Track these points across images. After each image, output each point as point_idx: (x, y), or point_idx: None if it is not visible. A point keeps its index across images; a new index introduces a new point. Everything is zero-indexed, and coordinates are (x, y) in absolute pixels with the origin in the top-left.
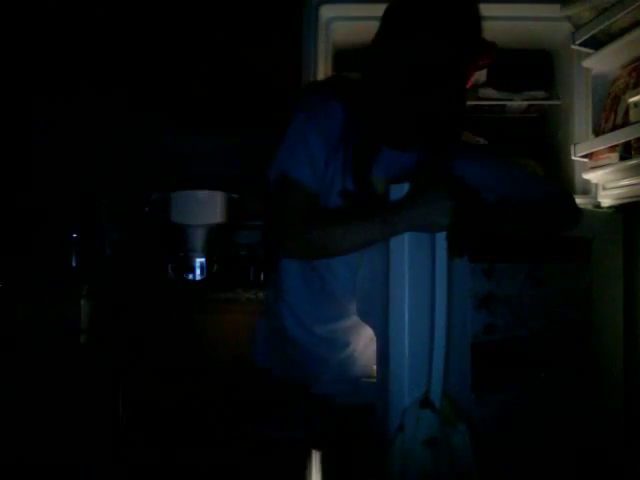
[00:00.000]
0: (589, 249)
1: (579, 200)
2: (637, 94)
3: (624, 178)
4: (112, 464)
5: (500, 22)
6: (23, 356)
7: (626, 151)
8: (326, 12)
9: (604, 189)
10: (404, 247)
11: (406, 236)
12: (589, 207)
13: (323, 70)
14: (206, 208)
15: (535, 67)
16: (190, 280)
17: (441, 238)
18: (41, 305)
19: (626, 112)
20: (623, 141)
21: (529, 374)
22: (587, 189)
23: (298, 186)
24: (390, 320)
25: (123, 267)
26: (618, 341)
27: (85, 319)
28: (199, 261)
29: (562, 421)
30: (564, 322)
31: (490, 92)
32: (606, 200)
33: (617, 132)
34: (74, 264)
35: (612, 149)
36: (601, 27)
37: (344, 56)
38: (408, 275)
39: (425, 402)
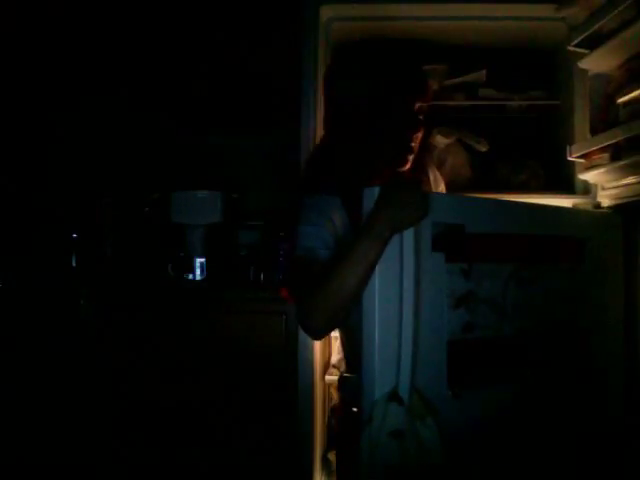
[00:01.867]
0: (582, 249)
1: (579, 200)
2: (626, 94)
3: (617, 179)
4: (112, 464)
5: (500, 22)
6: (23, 356)
7: (616, 151)
8: (326, 12)
9: (603, 189)
10: None
11: None
12: (589, 207)
13: (323, 70)
14: (206, 208)
15: (535, 67)
16: (190, 280)
17: (409, 236)
18: (41, 305)
19: (618, 112)
20: (613, 142)
21: (516, 373)
22: (587, 189)
23: (307, 258)
24: (362, 317)
25: (123, 267)
26: (618, 341)
27: (85, 319)
28: (199, 261)
29: (552, 420)
30: (555, 322)
31: (490, 92)
32: (606, 200)
33: (607, 133)
34: (74, 264)
35: (604, 150)
36: (593, 28)
37: (344, 56)
38: (378, 274)
39: (393, 396)
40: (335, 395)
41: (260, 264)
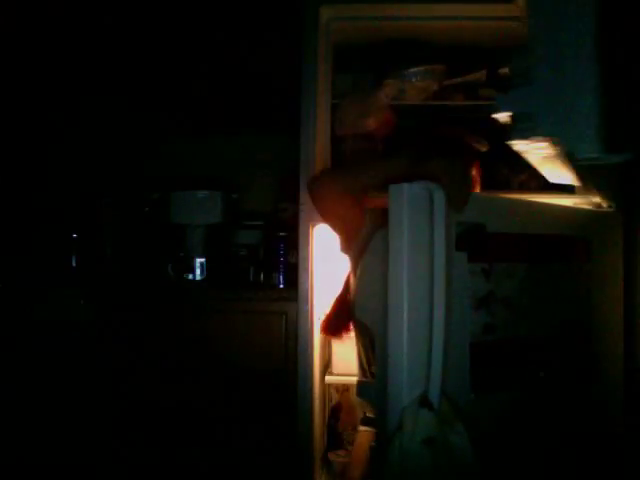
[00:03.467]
0: (589, 249)
1: (579, 200)
2: None
3: None
4: (112, 464)
5: (500, 22)
6: (23, 356)
7: None
8: (326, 12)
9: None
10: (403, 249)
11: (405, 239)
12: (589, 207)
13: (323, 70)
14: (206, 208)
15: None
16: (190, 280)
17: (440, 234)
18: (41, 305)
19: None
20: None
21: (530, 374)
22: (588, 189)
23: None
24: (389, 320)
25: (123, 267)
26: (618, 341)
27: (85, 319)
28: (199, 261)
29: (563, 420)
30: (564, 322)
31: (490, 92)
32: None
33: None
34: (74, 264)
35: None
36: None
37: (344, 56)
38: (406, 277)
39: (424, 401)
40: (336, 396)
41: (260, 264)
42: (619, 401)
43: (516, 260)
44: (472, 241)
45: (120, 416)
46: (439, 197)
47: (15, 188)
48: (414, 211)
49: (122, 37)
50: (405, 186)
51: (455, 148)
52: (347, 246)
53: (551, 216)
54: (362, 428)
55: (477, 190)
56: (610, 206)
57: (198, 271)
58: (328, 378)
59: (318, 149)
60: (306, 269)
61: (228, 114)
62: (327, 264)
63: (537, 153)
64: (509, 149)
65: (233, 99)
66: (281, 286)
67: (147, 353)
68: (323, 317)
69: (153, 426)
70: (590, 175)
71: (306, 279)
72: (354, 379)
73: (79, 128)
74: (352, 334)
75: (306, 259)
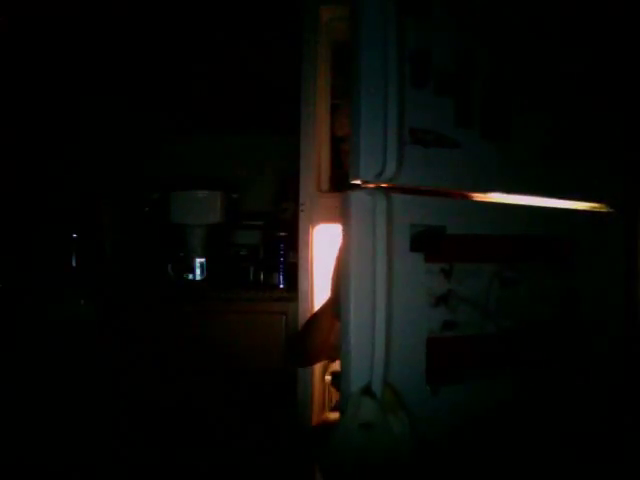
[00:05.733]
0: (573, 250)
1: (574, 201)
2: None
3: None
4: (112, 464)
5: None
6: (23, 356)
7: None
8: (326, 12)
9: None
10: (351, 249)
11: (353, 241)
12: (589, 207)
13: (323, 70)
14: (206, 208)
15: None
16: (190, 280)
17: (381, 236)
18: (41, 305)
19: None
20: None
21: (498, 370)
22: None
23: None
24: (340, 315)
25: (123, 267)
26: (618, 341)
27: (85, 319)
28: (199, 261)
29: (540, 418)
30: (542, 322)
31: None
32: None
33: None
34: (74, 264)
35: None
36: None
37: (344, 56)
38: (352, 274)
39: (366, 390)
40: (336, 395)
41: (260, 264)
42: (619, 401)
43: (482, 260)
44: (428, 242)
45: (120, 416)
46: (381, 202)
47: (15, 188)
48: (360, 215)
49: (122, 38)
50: (351, 193)
51: None
52: None
53: (526, 217)
54: None
55: None
56: (605, 206)
57: (198, 271)
58: (328, 378)
59: (318, 149)
60: (306, 269)
61: (228, 114)
62: (327, 264)
63: None
64: None
65: (233, 99)
66: (281, 286)
67: (147, 353)
68: None
69: (153, 426)
70: (590, 176)
71: (306, 279)
72: None
73: (79, 128)
74: None
75: (306, 259)
